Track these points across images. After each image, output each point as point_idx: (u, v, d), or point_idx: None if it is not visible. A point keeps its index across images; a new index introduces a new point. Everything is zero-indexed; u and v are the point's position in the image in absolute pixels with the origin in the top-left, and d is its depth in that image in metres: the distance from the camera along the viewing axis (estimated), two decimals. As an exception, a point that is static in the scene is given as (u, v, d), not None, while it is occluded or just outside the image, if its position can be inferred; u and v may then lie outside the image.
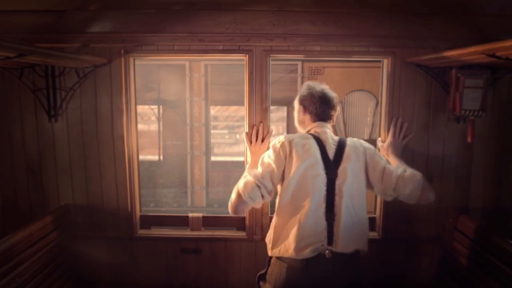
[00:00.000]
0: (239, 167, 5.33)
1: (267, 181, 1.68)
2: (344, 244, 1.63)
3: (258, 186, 1.66)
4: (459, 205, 2.23)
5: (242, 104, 2.19)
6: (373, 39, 2.11)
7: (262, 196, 1.68)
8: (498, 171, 2.23)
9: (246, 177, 1.72)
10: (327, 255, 1.61)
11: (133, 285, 2.30)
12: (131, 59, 2.17)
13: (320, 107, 1.82)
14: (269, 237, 1.77)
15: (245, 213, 2.21)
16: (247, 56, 2.13)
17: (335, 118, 1.90)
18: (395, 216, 2.23)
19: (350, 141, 1.78)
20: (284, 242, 1.66)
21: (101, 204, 2.23)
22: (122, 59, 2.13)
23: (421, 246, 2.27)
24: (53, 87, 2.10)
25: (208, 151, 5.21)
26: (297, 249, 1.61)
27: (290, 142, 1.72)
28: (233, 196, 1.72)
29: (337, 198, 1.65)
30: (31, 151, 2.22)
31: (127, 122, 2.18)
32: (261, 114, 2.15)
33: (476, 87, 1.95)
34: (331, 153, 1.70)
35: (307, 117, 1.86)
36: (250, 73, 2.14)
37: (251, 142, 2.12)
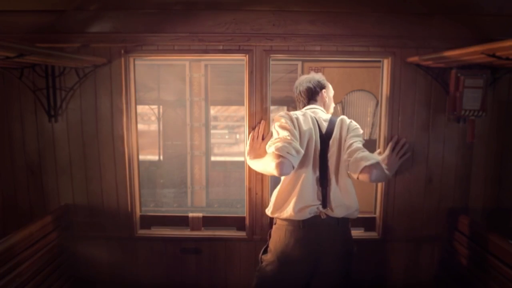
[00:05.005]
0: (239, 167, 5.32)
1: (295, 143, 1.75)
2: (336, 208, 1.81)
3: (289, 143, 1.72)
4: (459, 205, 2.23)
5: (242, 104, 2.19)
6: (373, 39, 2.11)
7: (297, 152, 1.71)
8: (498, 171, 2.23)
9: (273, 146, 1.73)
10: (322, 217, 1.80)
11: (133, 285, 2.30)
12: (131, 59, 2.17)
13: (308, 101, 2.05)
14: (272, 201, 1.91)
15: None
16: (247, 56, 2.13)
17: (325, 94, 2.06)
18: (395, 216, 2.23)
19: (340, 118, 1.93)
20: (285, 205, 1.83)
21: (101, 204, 2.23)
22: (122, 59, 2.13)
23: (421, 246, 2.27)
24: (53, 87, 2.10)
25: (208, 151, 5.20)
26: (296, 210, 1.79)
27: (290, 115, 1.87)
28: (268, 161, 1.72)
29: (329, 167, 1.84)
30: (31, 151, 2.22)
31: (127, 122, 2.18)
32: (261, 114, 2.16)
33: (476, 87, 1.95)
34: (323, 127, 1.88)
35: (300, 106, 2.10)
36: (250, 73, 2.14)
37: (252, 139, 2.11)
